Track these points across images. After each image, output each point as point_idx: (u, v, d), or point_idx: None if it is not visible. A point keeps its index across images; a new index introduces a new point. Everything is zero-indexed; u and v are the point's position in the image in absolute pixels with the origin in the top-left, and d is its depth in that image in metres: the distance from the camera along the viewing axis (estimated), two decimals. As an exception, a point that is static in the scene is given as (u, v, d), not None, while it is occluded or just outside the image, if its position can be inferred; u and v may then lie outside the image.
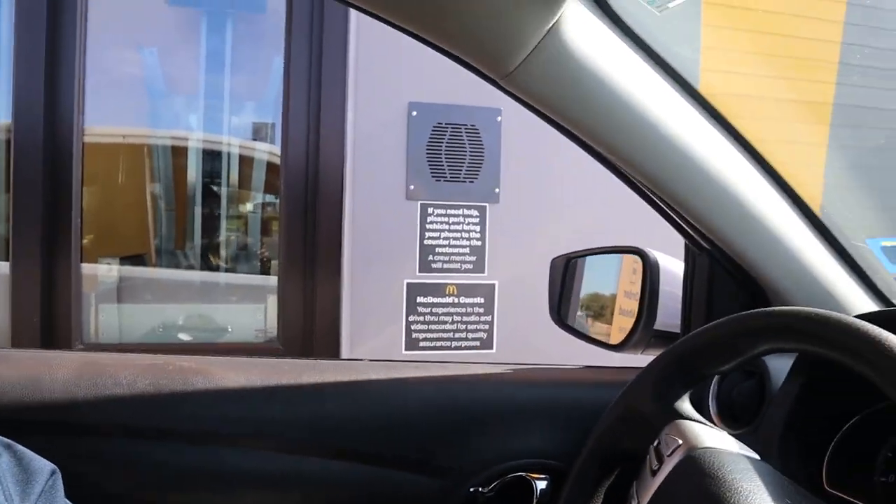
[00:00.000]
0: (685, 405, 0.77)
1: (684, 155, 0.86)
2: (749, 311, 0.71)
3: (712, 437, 0.70)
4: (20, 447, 0.70)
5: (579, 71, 0.77)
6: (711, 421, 0.98)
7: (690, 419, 0.75)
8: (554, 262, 1.34)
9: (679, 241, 1.11)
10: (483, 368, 1.16)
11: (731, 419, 1.00)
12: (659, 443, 0.74)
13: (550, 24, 0.71)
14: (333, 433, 1.03)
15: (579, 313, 1.32)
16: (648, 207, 1.04)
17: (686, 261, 1.11)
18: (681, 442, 0.70)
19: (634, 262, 1.20)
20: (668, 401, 0.78)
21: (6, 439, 0.66)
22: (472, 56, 0.77)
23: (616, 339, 1.19)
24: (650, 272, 1.12)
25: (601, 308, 1.29)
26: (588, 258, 1.33)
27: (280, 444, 1.02)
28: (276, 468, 1.02)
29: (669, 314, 1.11)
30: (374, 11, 0.74)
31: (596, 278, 1.31)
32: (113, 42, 2.94)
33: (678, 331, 1.11)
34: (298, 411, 1.04)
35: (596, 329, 1.29)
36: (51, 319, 2.49)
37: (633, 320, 1.18)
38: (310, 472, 1.03)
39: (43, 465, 0.70)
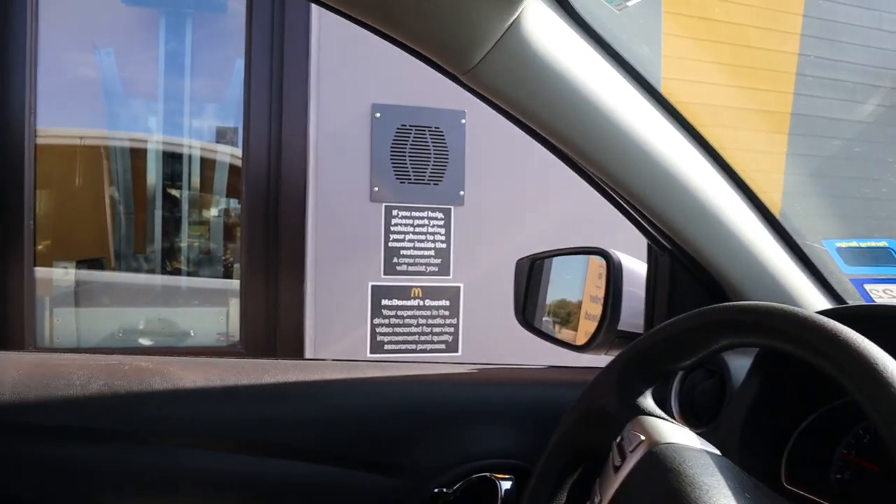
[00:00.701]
0: (647, 401, 0.77)
1: (645, 154, 0.86)
2: (709, 307, 0.71)
3: (674, 433, 0.70)
4: None
5: (540, 67, 0.77)
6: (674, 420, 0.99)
7: (653, 415, 0.75)
8: (519, 263, 1.34)
9: (644, 243, 1.12)
10: (446, 368, 1.16)
11: (694, 418, 1.01)
12: (622, 439, 0.73)
13: (511, 21, 0.71)
14: (294, 433, 1.02)
15: (545, 318, 1.33)
16: (613, 208, 1.05)
17: (648, 261, 1.12)
18: (643, 438, 0.70)
19: (600, 265, 1.20)
20: (630, 397, 0.77)
21: None
22: (434, 52, 0.76)
23: (581, 341, 1.19)
24: (613, 273, 1.12)
25: (567, 311, 1.29)
26: (554, 260, 1.33)
27: (240, 445, 1.00)
28: (236, 469, 1.00)
29: (633, 314, 1.12)
30: (335, 6, 0.74)
31: (562, 282, 1.31)
32: (66, 42, 2.87)
33: (641, 331, 1.12)
34: (258, 411, 1.02)
35: (561, 331, 1.29)
36: (2, 324, 2.43)
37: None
38: (271, 473, 1.01)
39: None
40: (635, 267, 1.14)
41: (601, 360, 1.21)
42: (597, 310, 1.17)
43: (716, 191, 0.92)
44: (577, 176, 1.02)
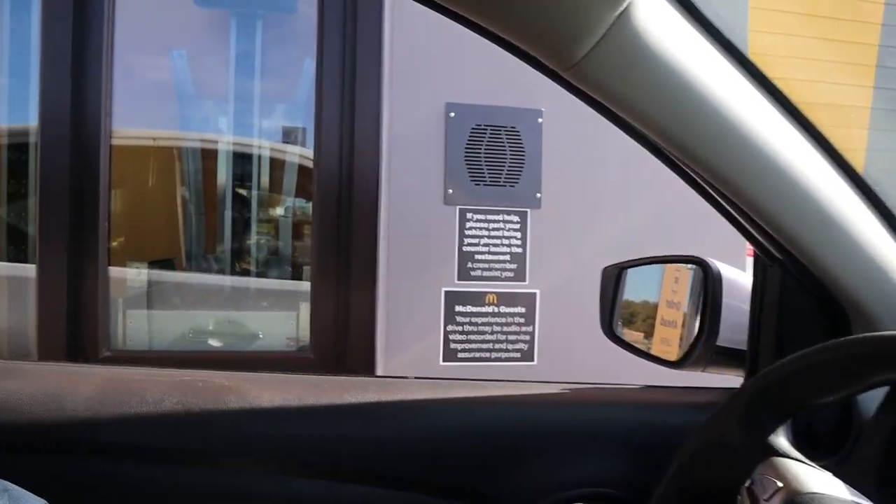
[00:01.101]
0: (781, 440, 0.71)
1: (762, 156, 0.79)
2: (859, 337, 0.66)
3: (818, 481, 0.63)
4: (16, 489, 0.63)
5: (650, 61, 0.71)
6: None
7: (788, 457, 0.69)
8: (605, 271, 1.27)
9: (731, 252, 1.02)
10: (535, 388, 1.10)
11: (809, 448, 0.91)
12: (752, 483, 0.67)
13: (620, 11, 0.66)
14: (375, 457, 0.98)
15: (626, 329, 1.26)
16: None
17: (755, 272, 1.03)
18: (780, 484, 0.63)
19: (677, 270, 1.18)
20: (760, 433, 0.71)
21: (4, 481, 0.59)
22: (536, 47, 0.72)
23: (659, 350, 1.15)
24: (712, 284, 1.05)
25: (646, 320, 1.24)
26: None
27: (317, 469, 0.97)
28: (313, 494, 0.97)
29: (733, 329, 1.04)
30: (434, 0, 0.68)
31: (638, 288, 1.26)
32: (140, 44, 2.91)
33: (743, 347, 1.04)
34: (338, 432, 0.98)
35: (649, 344, 1.22)
36: (77, 326, 2.45)
37: (675, 331, 1.15)
38: (349, 499, 0.97)
39: None
40: (735, 277, 1.07)
41: (698, 377, 1.13)
42: (673, 315, 1.15)
43: (839, 197, 0.84)
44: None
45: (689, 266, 1.18)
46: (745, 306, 1.04)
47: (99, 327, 2.47)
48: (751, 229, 0.91)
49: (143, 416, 0.94)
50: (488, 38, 0.73)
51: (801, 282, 0.93)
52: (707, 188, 0.88)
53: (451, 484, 0.98)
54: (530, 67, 0.78)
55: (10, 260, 2.72)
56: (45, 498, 0.65)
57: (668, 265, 1.23)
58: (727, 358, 1.06)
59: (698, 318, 1.09)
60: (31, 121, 2.58)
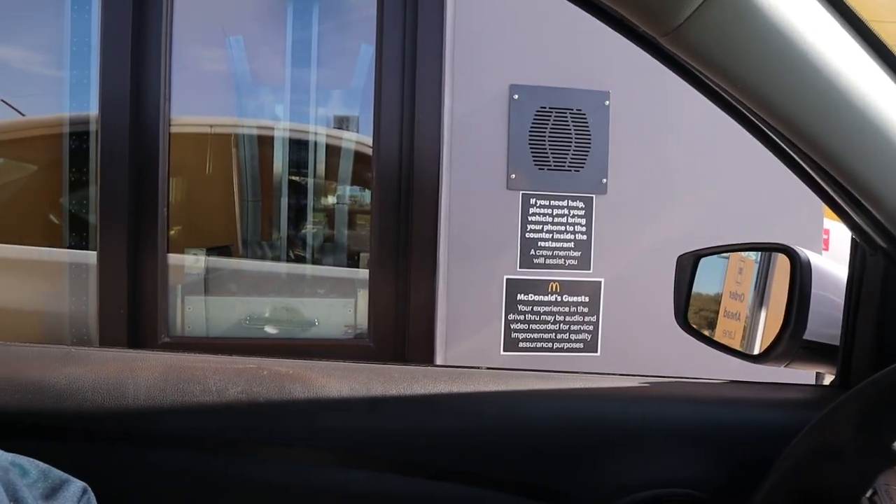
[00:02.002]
0: None
1: (878, 132, 0.70)
2: None
3: None
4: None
5: (758, 25, 0.64)
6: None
7: None
8: (681, 259, 1.22)
9: (806, 242, 0.96)
10: (612, 381, 1.05)
11: None
12: (874, 493, 0.63)
13: None
14: (445, 452, 0.95)
15: (698, 320, 1.23)
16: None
17: (852, 261, 0.97)
18: None
19: (741, 260, 1.16)
20: (882, 439, 0.65)
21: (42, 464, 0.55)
22: (633, 10, 0.66)
23: (729, 344, 1.11)
24: (801, 273, 1.00)
25: (699, 312, 1.21)
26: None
27: (384, 462, 0.94)
28: (381, 488, 0.94)
29: (823, 322, 0.99)
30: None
31: (701, 275, 1.21)
32: (198, 31, 2.92)
33: (833, 342, 0.99)
34: (407, 424, 0.96)
35: (723, 336, 1.17)
36: (137, 312, 2.47)
37: (738, 323, 1.13)
38: (417, 494, 0.94)
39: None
40: (825, 266, 1.02)
41: (782, 373, 1.05)
42: (737, 307, 1.12)
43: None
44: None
45: (754, 255, 1.16)
46: (837, 298, 0.99)
47: (158, 313, 2.49)
48: (852, 213, 0.84)
49: (205, 405, 0.92)
50: (579, 4, 0.69)
51: (908, 272, 0.87)
52: (807, 167, 0.81)
53: (519, 479, 0.94)
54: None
55: (71, 247, 2.75)
56: (105, 486, 0.62)
57: (733, 254, 1.20)
58: (815, 353, 1.01)
59: (766, 306, 1.07)
60: (92, 110, 2.60)
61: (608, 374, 1.08)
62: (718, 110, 0.77)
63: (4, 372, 0.93)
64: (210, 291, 2.96)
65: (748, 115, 0.77)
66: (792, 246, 1.03)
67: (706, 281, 1.19)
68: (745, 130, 0.84)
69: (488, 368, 1.07)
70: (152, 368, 0.95)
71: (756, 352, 1.08)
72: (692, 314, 1.17)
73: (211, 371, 0.96)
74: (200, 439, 0.92)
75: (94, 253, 2.48)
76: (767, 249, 1.12)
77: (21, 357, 0.96)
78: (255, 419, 0.93)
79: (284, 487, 0.93)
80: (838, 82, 0.68)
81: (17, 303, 2.72)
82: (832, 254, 3.75)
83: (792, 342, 0.98)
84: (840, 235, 4.24)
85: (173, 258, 2.79)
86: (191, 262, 3.01)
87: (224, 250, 3.25)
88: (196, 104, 3.04)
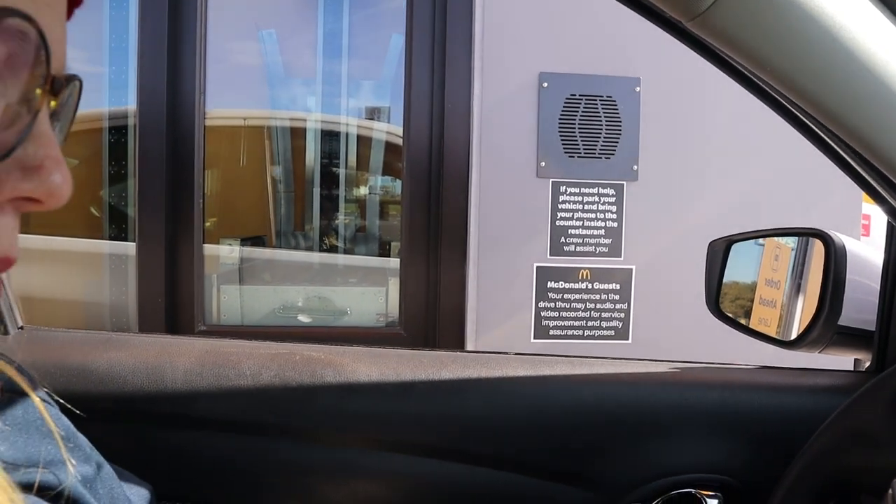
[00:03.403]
0: None
1: None
2: None
3: None
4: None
5: (787, 4, 0.62)
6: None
7: None
8: (712, 245, 1.21)
9: (843, 228, 0.99)
10: (642, 367, 1.05)
11: None
12: None
13: None
14: (474, 435, 0.96)
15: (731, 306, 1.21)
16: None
17: (888, 246, 0.96)
18: None
19: (777, 247, 1.14)
20: None
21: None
22: None
23: (762, 330, 1.09)
24: (835, 258, 0.98)
25: (735, 301, 1.18)
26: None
27: (415, 446, 0.96)
28: (411, 471, 0.96)
29: (858, 308, 0.98)
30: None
31: (735, 263, 1.20)
32: (232, 25, 2.95)
33: (869, 328, 0.97)
34: (435, 409, 0.97)
35: (755, 322, 1.16)
36: (175, 300, 2.52)
37: (774, 311, 1.11)
38: (448, 477, 0.96)
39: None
40: (860, 251, 1.00)
41: (817, 359, 1.04)
42: (773, 294, 1.11)
43: None
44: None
45: (791, 242, 1.14)
46: (873, 283, 0.97)
47: (195, 302, 2.53)
48: (888, 196, 0.81)
49: (240, 390, 0.94)
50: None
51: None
52: (840, 150, 0.79)
53: (550, 464, 0.95)
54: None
55: (111, 238, 2.81)
56: (141, 467, 0.64)
57: (769, 242, 1.17)
58: (850, 339, 0.99)
59: (804, 292, 1.05)
60: (130, 104, 2.65)
61: (637, 359, 1.08)
62: (750, 94, 0.76)
63: (50, 356, 0.96)
64: (245, 281, 3.01)
65: (778, 98, 0.76)
66: (826, 230, 1.01)
67: (742, 269, 1.18)
68: (775, 114, 0.83)
69: (517, 354, 1.07)
70: (189, 353, 0.97)
71: (790, 338, 1.07)
72: (728, 302, 1.16)
73: (245, 356, 0.98)
74: (235, 422, 0.94)
75: (133, 244, 2.53)
76: (801, 234, 1.11)
77: (65, 342, 1.00)
78: (288, 403, 0.95)
79: (316, 469, 0.95)
80: (868, 62, 0.66)
81: (61, 292, 2.79)
82: (872, 240, 3.67)
83: (826, 328, 0.97)
84: (882, 222, 4.14)
85: (209, 248, 2.83)
86: (226, 253, 3.06)
87: (258, 240, 3.29)
88: (230, 97, 3.08)
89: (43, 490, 0.44)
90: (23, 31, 0.30)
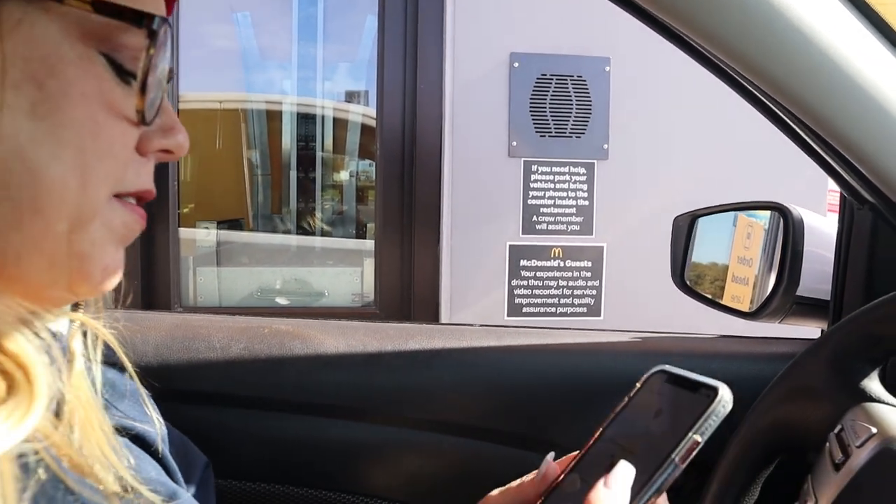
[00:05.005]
0: (874, 384, 0.67)
1: (858, 88, 0.70)
2: None
3: None
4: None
5: None
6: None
7: (881, 402, 0.65)
8: (677, 220, 1.22)
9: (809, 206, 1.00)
10: (605, 336, 1.06)
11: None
12: (842, 429, 0.63)
13: None
14: (441, 404, 0.96)
15: (697, 280, 1.22)
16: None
17: (841, 216, 0.97)
18: (874, 430, 0.59)
19: (749, 225, 1.14)
20: (850, 378, 0.67)
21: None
22: None
23: (732, 305, 1.10)
24: (793, 230, 0.99)
25: (714, 282, 1.19)
26: (700, 219, 1.20)
27: (381, 416, 0.96)
28: (376, 440, 0.96)
29: (815, 278, 0.99)
30: None
31: (707, 241, 1.21)
32: (206, 7, 2.93)
33: (825, 297, 0.98)
34: (402, 380, 0.97)
35: (721, 295, 1.17)
36: (150, 283, 2.52)
37: (746, 288, 1.11)
38: (414, 445, 0.96)
39: (199, 456, 0.72)
40: (816, 223, 1.01)
41: (775, 328, 1.07)
42: (746, 272, 1.11)
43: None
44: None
45: (761, 217, 1.14)
46: (828, 254, 0.99)
47: (171, 284, 2.53)
48: (839, 168, 0.84)
49: (211, 363, 0.94)
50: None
51: (892, 224, 0.86)
52: (794, 125, 0.81)
53: (515, 431, 0.96)
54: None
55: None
56: None
57: (742, 218, 1.18)
58: (807, 308, 1.00)
59: (776, 268, 1.04)
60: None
61: (600, 329, 1.09)
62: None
63: None
64: (221, 263, 3.01)
65: (735, 77, 0.77)
66: (785, 203, 1.03)
67: (714, 248, 1.20)
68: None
69: (482, 326, 1.08)
70: (159, 327, 0.97)
71: (750, 309, 1.10)
72: (707, 283, 1.17)
73: (215, 329, 0.98)
74: (206, 394, 0.95)
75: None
76: (760, 208, 1.12)
77: None
78: (257, 375, 0.95)
79: (285, 439, 0.95)
80: (820, 40, 0.67)
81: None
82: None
83: (785, 298, 0.98)
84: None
85: (185, 231, 2.83)
86: (202, 236, 3.06)
87: (235, 223, 3.29)
88: (205, 80, 3.07)
89: (139, 440, 0.55)
90: (165, 31, 0.43)
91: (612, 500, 0.46)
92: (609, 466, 0.48)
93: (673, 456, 0.48)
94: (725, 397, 0.49)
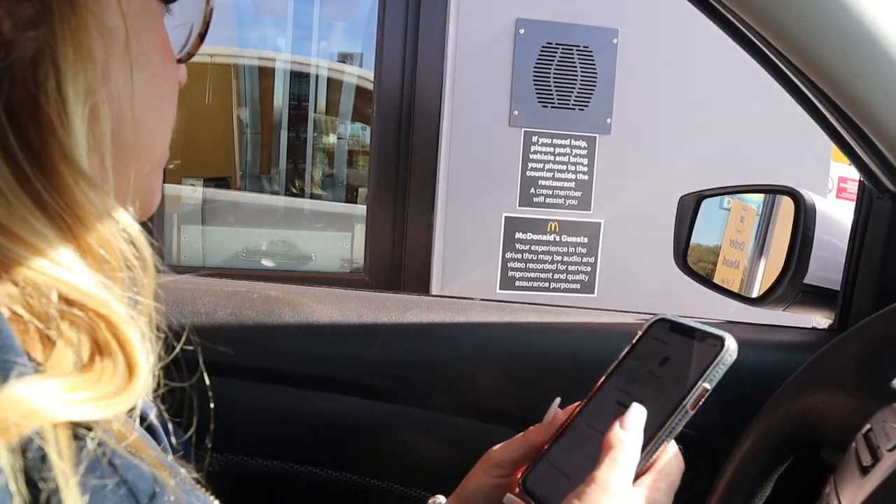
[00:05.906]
0: None
1: (893, 65, 0.67)
2: None
3: None
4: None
5: None
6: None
7: None
8: (682, 200, 1.20)
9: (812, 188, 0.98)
10: (609, 317, 1.05)
11: None
12: (870, 430, 0.60)
13: None
14: (437, 381, 0.94)
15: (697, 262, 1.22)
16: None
17: (858, 204, 0.95)
18: None
19: (743, 209, 1.14)
20: (881, 377, 0.65)
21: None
22: None
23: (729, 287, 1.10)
24: (805, 216, 0.98)
25: (697, 263, 1.19)
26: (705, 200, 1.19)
27: (375, 391, 0.93)
28: (369, 416, 0.93)
29: (823, 267, 0.98)
30: None
31: (702, 222, 1.20)
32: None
33: (834, 287, 0.97)
34: (398, 353, 0.94)
35: (722, 279, 1.16)
36: (132, 238, 2.45)
37: (736, 272, 1.12)
38: (407, 422, 0.94)
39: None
40: (829, 210, 1.00)
41: (780, 315, 1.04)
42: (737, 256, 1.11)
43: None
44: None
45: (756, 204, 1.14)
46: (840, 243, 0.97)
47: (153, 241, 2.47)
48: (863, 155, 0.82)
49: (195, 327, 0.91)
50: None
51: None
52: (819, 104, 0.78)
53: (515, 412, 0.93)
54: None
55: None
56: None
57: (736, 203, 1.17)
58: (814, 297, 1.00)
59: (766, 253, 1.05)
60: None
61: (604, 310, 1.07)
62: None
63: None
64: (207, 222, 2.96)
65: (761, 46, 0.74)
66: (797, 188, 1.00)
67: (707, 231, 1.18)
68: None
69: (482, 300, 1.05)
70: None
71: (755, 295, 1.07)
72: (691, 263, 1.16)
73: (201, 293, 0.94)
74: (188, 361, 0.92)
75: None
76: (773, 192, 1.09)
77: None
78: (245, 342, 0.91)
79: (273, 409, 0.93)
80: (859, 20, 0.65)
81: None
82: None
83: (791, 286, 0.97)
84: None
85: (170, 188, 2.77)
86: (188, 193, 3.00)
87: (222, 182, 3.24)
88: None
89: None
90: None
91: (629, 439, 0.49)
92: (616, 413, 0.51)
93: (685, 402, 0.50)
94: (731, 346, 0.51)
